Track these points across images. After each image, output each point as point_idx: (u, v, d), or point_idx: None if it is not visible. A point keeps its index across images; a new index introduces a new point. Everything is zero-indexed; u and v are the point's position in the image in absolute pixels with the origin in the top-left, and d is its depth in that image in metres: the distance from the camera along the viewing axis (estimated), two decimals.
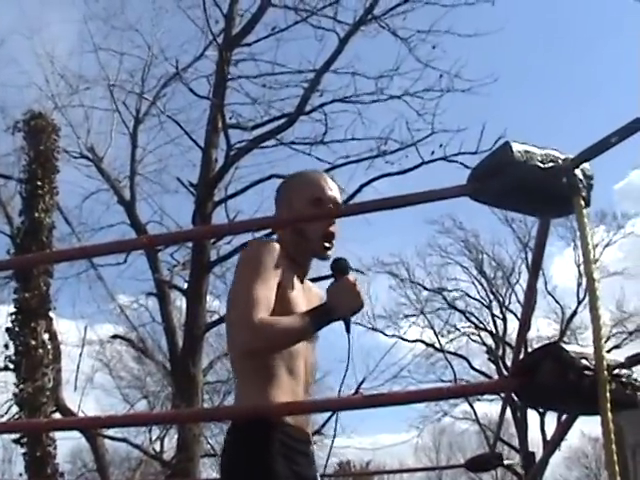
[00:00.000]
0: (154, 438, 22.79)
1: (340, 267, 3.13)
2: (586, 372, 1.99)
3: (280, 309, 3.04)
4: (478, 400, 33.22)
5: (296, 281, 3.25)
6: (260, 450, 3.02)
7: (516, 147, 2.03)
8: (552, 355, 2.00)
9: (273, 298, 3.03)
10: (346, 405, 1.89)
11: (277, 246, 3.18)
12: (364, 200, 2.03)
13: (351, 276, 3.09)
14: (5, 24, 27.87)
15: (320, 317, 3.00)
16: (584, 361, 2.02)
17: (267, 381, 3.10)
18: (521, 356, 2.33)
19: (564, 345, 2.05)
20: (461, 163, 16.47)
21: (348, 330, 3.12)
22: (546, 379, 1.98)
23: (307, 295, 3.31)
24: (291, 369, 3.14)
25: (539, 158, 2.06)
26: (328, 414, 20.42)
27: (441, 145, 16.69)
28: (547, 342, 2.22)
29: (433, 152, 16.70)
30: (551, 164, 2.06)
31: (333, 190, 3.39)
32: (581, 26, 46.04)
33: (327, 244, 3.28)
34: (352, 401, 1.92)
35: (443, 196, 1.94)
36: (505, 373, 30.09)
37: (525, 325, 2.35)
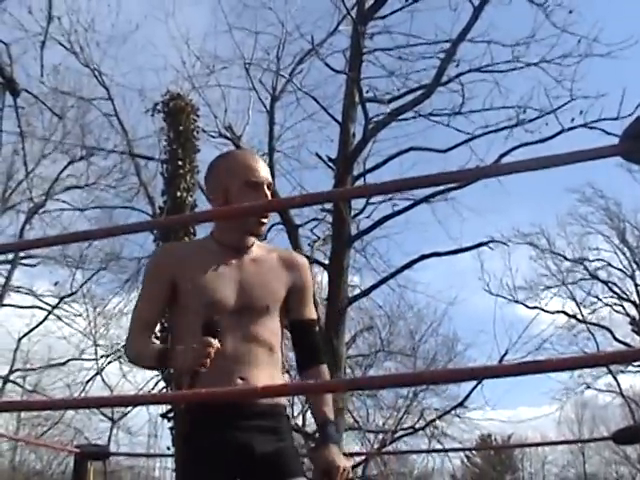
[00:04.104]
0: (297, 412, 23.10)
1: (206, 327, 3.19)
2: None
3: (188, 297, 3.37)
4: (622, 372, 32.67)
5: (214, 264, 3.41)
6: (183, 423, 3.41)
7: None
8: None
9: (155, 303, 3.40)
10: (498, 373, 1.85)
11: (161, 250, 3.66)
12: (509, 161, 1.96)
13: (208, 340, 3.12)
14: (139, 9, 28.46)
15: (161, 359, 3.26)
16: None
17: None
18: None
19: None
20: (602, 130, 16.16)
21: (191, 385, 3.23)
22: None
23: (240, 269, 3.45)
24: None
25: None
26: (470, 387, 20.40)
27: (581, 112, 16.40)
28: None
29: (573, 119, 16.43)
30: None
31: (264, 170, 3.53)
32: None
33: (264, 220, 3.48)
34: (505, 369, 1.88)
35: (593, 156, 1.87)
36: None
37: None
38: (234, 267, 3.43)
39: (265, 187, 3.46)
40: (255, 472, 3.24)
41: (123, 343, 3.65)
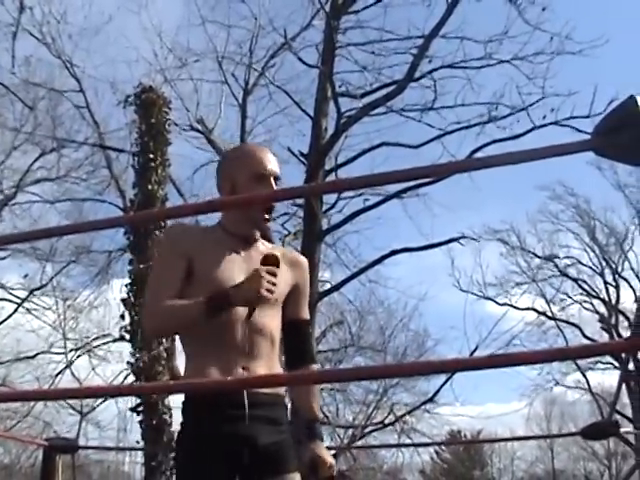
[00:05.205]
0: None
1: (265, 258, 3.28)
2: None
3: (200, 281, 3.34)
4: (590, 369, 32.83)
5: (226, 252, 3.42)
6: (184, 415, 3.37)
7: None
8: None
9: (177, 275, 3.33)
10: (468, 366, 1.86)
11: (179, 227, 3.52)
12: (486, 155, 1.98)
13: (266, 268, 3.20)
14: (112, 0, 28.29)
15: (215, 302, 3.19)
16: None
17: (194, 353, 3.40)
18: None
19: None
20: (573, 127, 16.27)
21: (248, 317, 3.27)
22: None
23: (249, 260, 3.44)
24: (221, 339, 3.30)
25: None
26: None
27: (552, 109, 16.52)
28: None
29: (545, 117, 16.53)
30: None
31: (273, 163, 3.51)
32: None
33: (267, 216, 3.47)
34: (475, 362, 1.88)
35: (566, 151, 1.88)
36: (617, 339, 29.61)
37: None
38: (244, 258, 3.44)
39: (272, 180, 3.45)
40: (256, 463, 3.25)
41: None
